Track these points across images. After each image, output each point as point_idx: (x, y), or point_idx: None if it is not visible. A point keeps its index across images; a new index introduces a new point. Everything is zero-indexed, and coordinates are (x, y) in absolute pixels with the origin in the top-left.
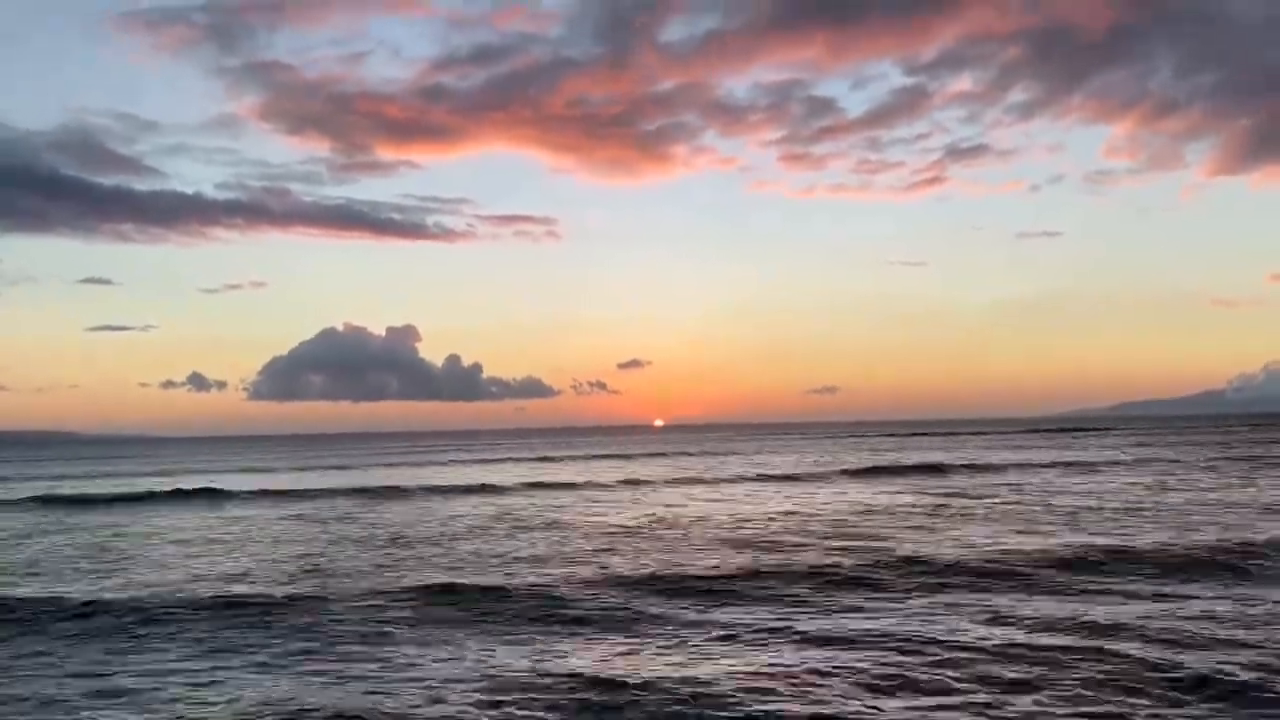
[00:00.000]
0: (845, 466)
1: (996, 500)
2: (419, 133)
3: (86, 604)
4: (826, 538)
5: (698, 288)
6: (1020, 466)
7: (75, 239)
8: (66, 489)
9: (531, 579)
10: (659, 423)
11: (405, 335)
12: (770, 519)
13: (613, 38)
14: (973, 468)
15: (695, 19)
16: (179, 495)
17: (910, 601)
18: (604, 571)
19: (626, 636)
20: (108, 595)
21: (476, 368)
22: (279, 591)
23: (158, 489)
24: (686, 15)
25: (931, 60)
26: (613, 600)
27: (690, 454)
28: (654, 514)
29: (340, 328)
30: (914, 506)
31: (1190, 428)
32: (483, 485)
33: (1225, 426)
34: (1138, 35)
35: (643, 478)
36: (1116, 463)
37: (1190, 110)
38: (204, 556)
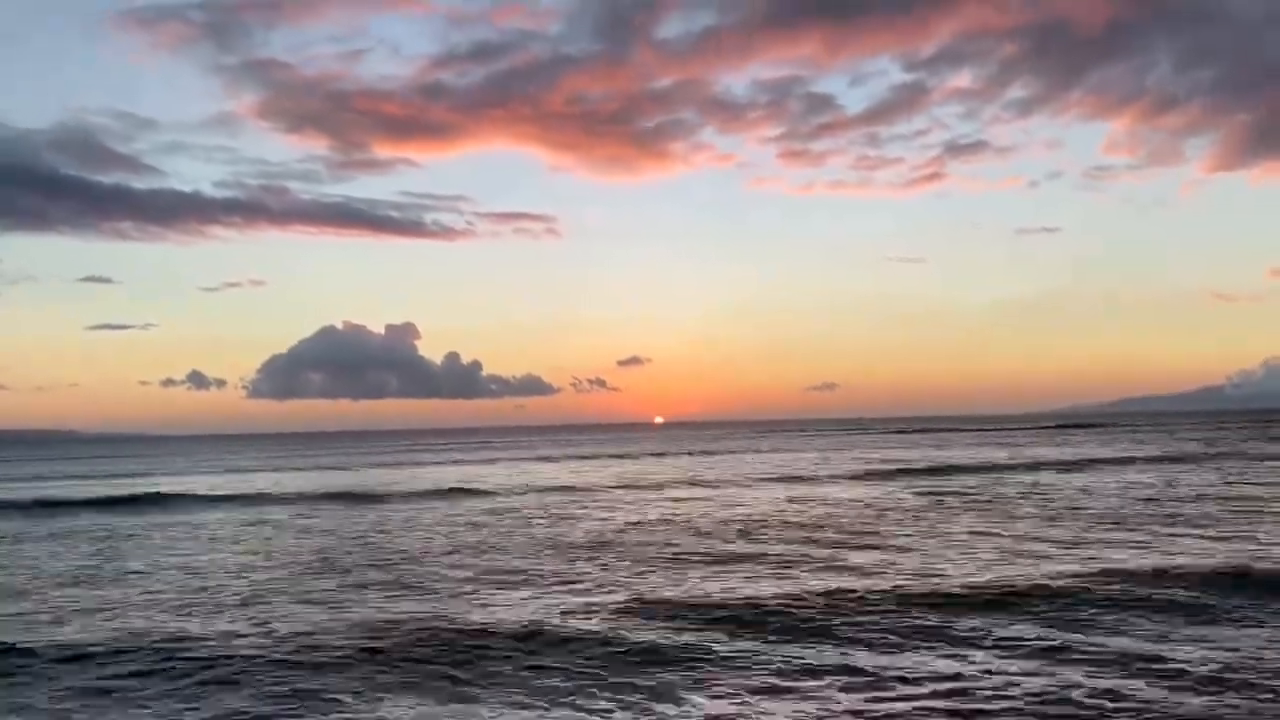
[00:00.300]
0: (864, 467)
1: (1029, 505)
2: (418, 130)
3: None
4: (854, 551)
5: (697, 285)
6: (1044, 465)
7: (75, 238)
8: (9, 494)
9: (530, 612)
10: (659, 420)
11: (404, 333)
12: (799, 529)
13: (611, 35)
14: (990, 468)
15: (692, 15)
16: (133, 501)
17: (967, 636)
18: (621, 597)
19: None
20: None
21: (476, 365)
22: (182, 627)
23: (114, 494)
24: (683, 11)
25: (930, 56)
26: (641, 637)
27: (692, 453)
28: (664, 520)
29: (339, 326)
30: (941, 512)
31: (1192, 424)
32: (478, 488)
33: (1220, 422)
34: (1136, 30)
35: (648, 480)
36: (1123, 460)
37: (1189, 106)
38: (123, 581)
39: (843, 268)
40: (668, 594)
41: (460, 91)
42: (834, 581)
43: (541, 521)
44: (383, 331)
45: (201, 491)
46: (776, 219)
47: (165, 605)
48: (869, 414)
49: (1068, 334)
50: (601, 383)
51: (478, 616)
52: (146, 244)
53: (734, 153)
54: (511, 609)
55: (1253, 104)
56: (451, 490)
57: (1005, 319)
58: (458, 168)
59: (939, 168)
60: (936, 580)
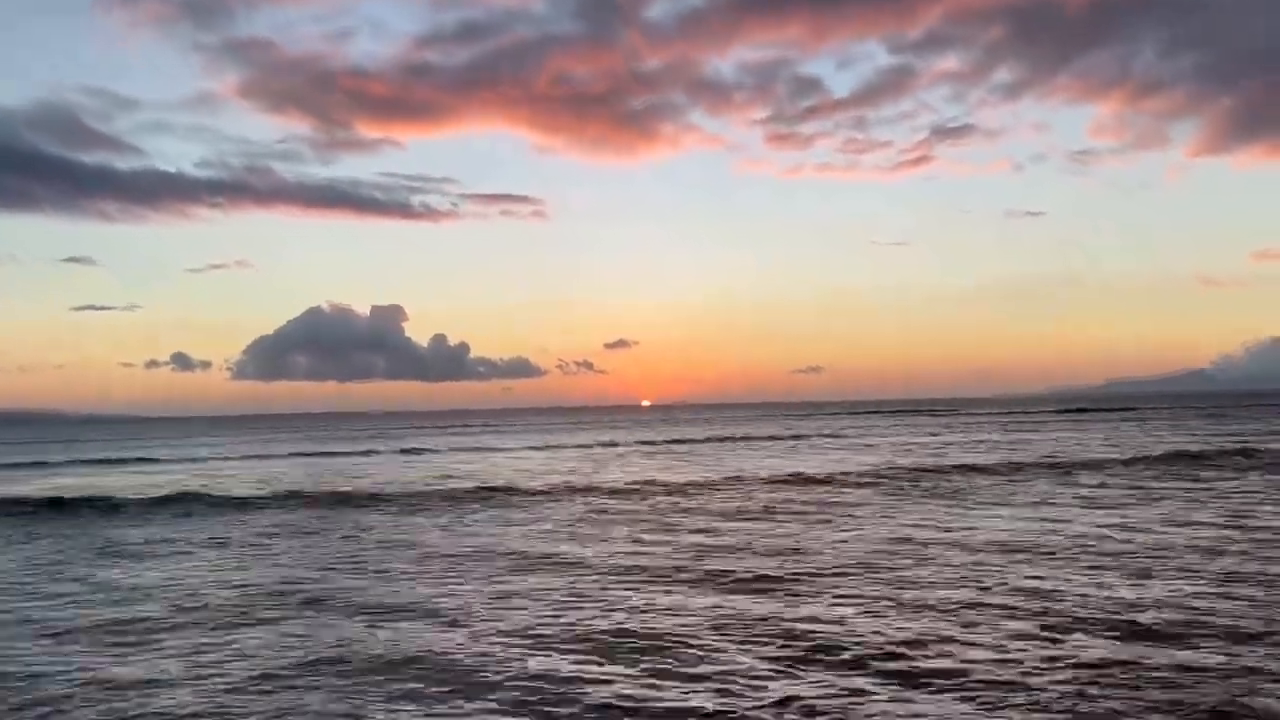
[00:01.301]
0: (889, 463)
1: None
2: (403, 110)
3: None
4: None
5: (684, 267)
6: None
7: (58, 218)
8: None
9: None
10: (646, 403)
11: (391, 315)
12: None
13: (597, 15)
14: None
15: None
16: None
17: None
18: None
19: None
20: None
21: (463, 347)
22: None
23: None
24: None
25: (917, 40)
26: None
27: (695, 440)
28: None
29: (325, 307)
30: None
31: (1183, 406)
32: (469, 487)
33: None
34: (1121, 15)
35: (655, 479)
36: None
37: (1174, 90)
38: None
39: (830, 251)
40: None
41: (446, 72)
42: None
43: (535, 566)
44: (369, 313)
45: (122, 494)
46: (764, 202)
47: None
48: (855, 396)
49: (1054, 317)
50: (589, 365)
51: None
52: (130, 225)
53: (722, 135)
54: None
55: (1236, 89)
56: (425, 495)
57: (992, 301)
58: (443, 149)
59: (926, 151)
60: None
